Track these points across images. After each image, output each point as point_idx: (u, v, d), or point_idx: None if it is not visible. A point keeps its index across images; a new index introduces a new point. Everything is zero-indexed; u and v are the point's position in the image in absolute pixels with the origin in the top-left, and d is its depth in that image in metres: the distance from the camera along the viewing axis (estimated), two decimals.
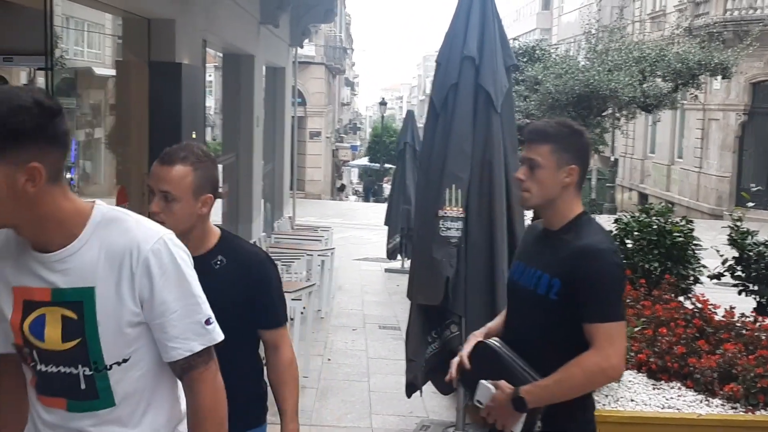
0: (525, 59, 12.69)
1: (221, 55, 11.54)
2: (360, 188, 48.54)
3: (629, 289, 6.44)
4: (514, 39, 19.44)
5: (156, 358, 2.04)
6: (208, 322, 2.04)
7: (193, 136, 7.05)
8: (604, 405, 4.88)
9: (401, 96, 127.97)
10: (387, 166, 37.33)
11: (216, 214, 11.70)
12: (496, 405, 2.79)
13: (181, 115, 6.61)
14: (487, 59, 5.20)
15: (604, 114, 12.53)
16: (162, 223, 2.26)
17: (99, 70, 10.74)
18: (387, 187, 31.72)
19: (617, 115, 12.95)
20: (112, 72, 7.81)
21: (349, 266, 13.28)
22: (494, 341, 2.92)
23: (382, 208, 16.76)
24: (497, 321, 3.14)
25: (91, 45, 13.94)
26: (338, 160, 47.24)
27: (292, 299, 6.67)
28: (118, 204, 6.61)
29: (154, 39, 6.63)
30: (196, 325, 2.01)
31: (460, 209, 5.12)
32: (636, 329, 5.68)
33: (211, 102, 28.23)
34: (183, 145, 2.71)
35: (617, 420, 4.75)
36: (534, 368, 2.77)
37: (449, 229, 5.11)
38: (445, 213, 5.12)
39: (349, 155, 52.24)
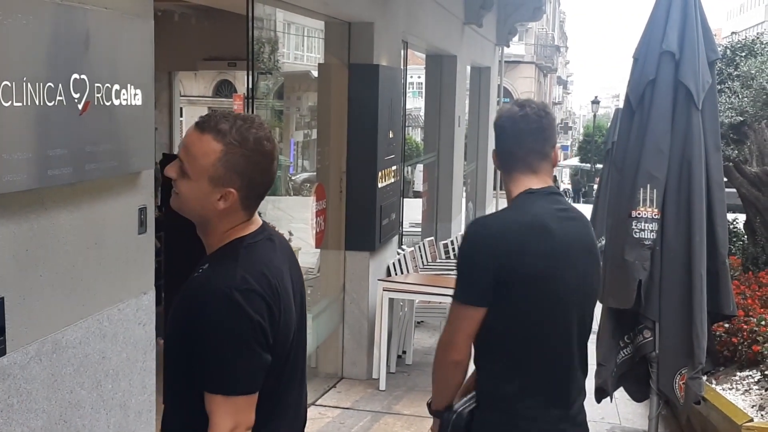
0: (744, 53, 11.93)
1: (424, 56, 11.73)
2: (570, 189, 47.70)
3: None
4: (734, 33, 18.31)
5: None
6: None
7: (390, 136, 7.21)
8: None
9: (617, 94, 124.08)
10: (598, 166, 36.39)
11: (415, 212, 11.92)
12: None
13: (378, 115, 6.79)
14: (687, 54, 4.96)
15: None
16: None
17: (316, 73, 11.19)
18: None
19: None
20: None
21: None
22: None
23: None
24: None
25: (310, 49, 14.62)
26: None
27: None
28: (317, 201, 6.92)
29: (354, 42, 6.85)
30: None
31: (655, 210, 4.91)
32: None
33: (422, 103, 28.66)
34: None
35: None
36: None
37: (643, 230, 4.93)
38: (639, 214, 4.94)
39: (559, 156, 51.41)
